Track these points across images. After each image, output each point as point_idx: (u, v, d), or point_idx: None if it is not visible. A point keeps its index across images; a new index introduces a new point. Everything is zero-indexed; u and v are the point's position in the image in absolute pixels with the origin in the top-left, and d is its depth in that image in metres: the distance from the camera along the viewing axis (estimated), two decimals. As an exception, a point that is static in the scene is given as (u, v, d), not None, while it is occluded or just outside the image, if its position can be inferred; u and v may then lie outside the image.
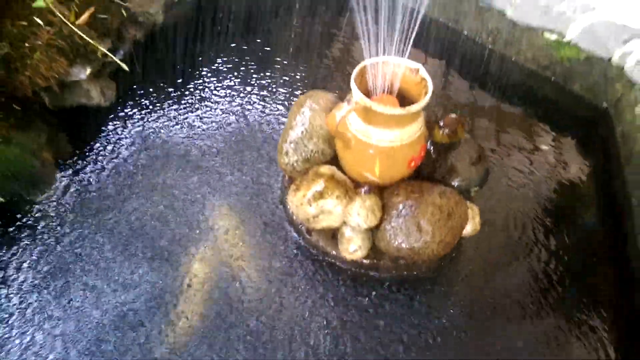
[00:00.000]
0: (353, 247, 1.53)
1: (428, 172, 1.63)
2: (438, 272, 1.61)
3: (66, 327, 1.45)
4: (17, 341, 1.42)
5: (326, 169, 1.61)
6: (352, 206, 1.49)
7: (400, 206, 1.48)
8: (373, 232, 1.54)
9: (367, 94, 1.48)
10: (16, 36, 1.70)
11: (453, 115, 1.63)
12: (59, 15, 1.76)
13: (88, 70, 1.84)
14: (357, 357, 1.43)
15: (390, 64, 1.50)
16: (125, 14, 2.03)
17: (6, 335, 1.43)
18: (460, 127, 1.62)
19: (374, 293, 1.57)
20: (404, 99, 1.53)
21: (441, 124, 1.61)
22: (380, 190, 1.57)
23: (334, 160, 1.66)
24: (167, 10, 2.18)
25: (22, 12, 1.73)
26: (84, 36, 1.79)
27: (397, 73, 1.51)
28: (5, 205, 1.68)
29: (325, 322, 1.50)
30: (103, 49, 1.83)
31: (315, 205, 1.52)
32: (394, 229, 1.47)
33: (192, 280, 1.57)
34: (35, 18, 1.74)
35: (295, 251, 1.66)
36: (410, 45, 1.52)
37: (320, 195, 1.52)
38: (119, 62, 1.84)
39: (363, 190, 1.56)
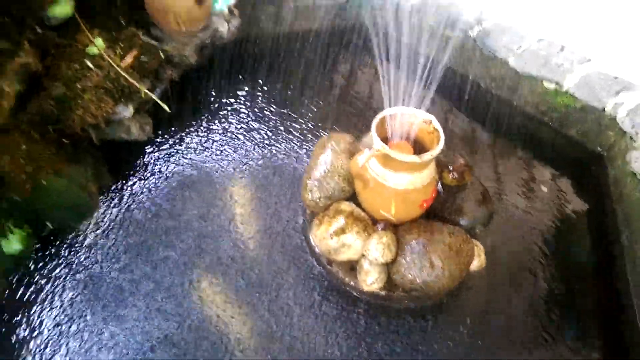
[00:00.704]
0: (371, 279, 1.70)
1: (438, 211, 1.81)
2: (447, 303, 1.78)
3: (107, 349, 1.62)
4: None
5: (346, 206, 1.79)
6: (370, 241, 1.66)
7: (414, 243, 1.66)
8: (389, 266, 1.71)
9: (385, 140, 1.67)
10: (70, 78, 1.89)
11: (461, 161, 1.82)
12: (108, 59, 1.96)
13: (131, 109, 2.02)
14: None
15: (407, 115, 1.69)
16: (163, 56, 2.23)
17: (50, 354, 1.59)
18: (468, 172, 1.80)
19: (388, 321, 1.73)
20: (417, 145, 1.72)
21: (450, 168, 1.80)
22: (395, 227, 1.75)
23: (353, 197, 1.84)
24: (199, 52, 2.37)
25: (76, 56, 1.92)
26: (129, 78, 1.98)
27: (412, 123, 1.70)
28: (54, 231, 1.86)
29: (342, 347, 1.66)
30: (145, 90, 2.02)
31: (337, 239, 1.70)
32: (408, 263, 1.64)
33: (219, 306, 1.74)
34: (86, 62, 1.93)
35: (315, 280, 1.83)
36: (424, 89, 1.72)
37: (342, 230, 1.70)
38: (160, 103, 2.03)
39: (379, 227, 1.74)
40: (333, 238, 1.71)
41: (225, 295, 1.76)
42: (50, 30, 1.93)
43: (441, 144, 1.59)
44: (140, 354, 1.60)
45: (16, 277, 1.76)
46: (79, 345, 1.61)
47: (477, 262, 1.74)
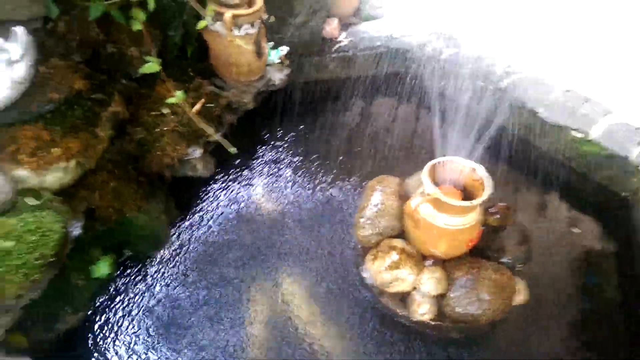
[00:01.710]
0: (422, 310, 1.87)
1: (481, 249, 1.99)
2: (492, 333, 1.94)
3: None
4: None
5: (398, 242, 1.98)
6: (423, 276, 1.84)
7: (463, 279, 1.84)
8: (439, 298, 1.88)
9: (435, 184, 1.87)
10: (150, 124, 2.12)
11: (502, 203, 2.01)
12: (182, 107, 2.19)
13: (200, 150, 2.25)
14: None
15: (455, 163, 1.90)
16: (224, 103, 2.46)
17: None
18: (509, 213, 1.99)
19: (437, 349, 1.89)
20: (463, 189, 1.92)
21: (493, 210, 1.99)
22: (443, 263, 1.93)
23: (402, 234, 2.03)
24: (255, 98, 2.61)
25: (155, 104, 2.16)
26: (201, 124, 2.21)
27: (460, 170, 1.90)
28: (132, 258, 2.06)
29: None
30: (215, 133, 2.25)
31: (391, 273, 1.88)
32: (457, 297, 1.82)
33: (274, 326, 1.92)
34: (164, 109, 2.16)
35: (368, 309, 2.00)
36: (458, 134, 1.93)
37: (396, 265, 1.88)
38: (227, 145, 2.25)
39: (428, 262, 1.92)
40: (387, 272, 1.89)
41: (280, 317, 1.94)
42: (132, 81, 2.17)
43: (488, 191, 1.78)
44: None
45: (100, 299, 1.95)
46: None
47: (519, 297, 1.91)
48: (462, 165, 1.89)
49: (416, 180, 2.15)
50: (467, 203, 1.75)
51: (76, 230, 1.82)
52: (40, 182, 1.71)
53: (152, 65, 2.02)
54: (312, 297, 2.02)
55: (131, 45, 2.04)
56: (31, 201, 1.68)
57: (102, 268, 1.91)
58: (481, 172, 1.86)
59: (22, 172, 1.66)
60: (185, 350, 1.83)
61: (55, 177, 1.73)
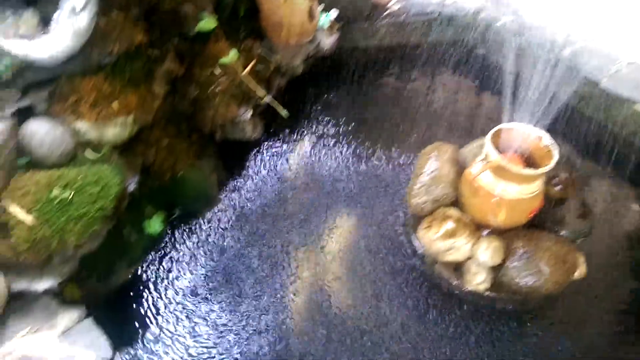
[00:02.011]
0: (478, 280, 1.82)
1: (540, 221, 1.92)
2: (547, 307, 1.88)
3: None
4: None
5: (453, 211, 1.92)
6: (480, 245, 1.79)
7: (522, 250, 1.78)
8: (495, 269, 1.83)
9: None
10: (203, 83, 2.10)
11: (565, 175, 1.93)
12: (235, 67, 2.16)
13: (250, 112, 2.22)
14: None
15: (519, 130, 1.82)
16: (273, 67, 2.42)
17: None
18: (571, 185, 1.91)
19: (491, 321, 1.84)
20: (525, 158, 1.84)
21: (555, 181, 1.91)
22: (499, 234, 1.87)
23: (455, 203, 1.97)
24: (304, 62, 2.56)
25: (208, 64, 2.13)
26: (253, 85, 2.18)
27: (524, 138, 1.82)
28: (182, 217, 2.07)
29: (444, 342, 1.79)
30: (265, 95, 2.22)
31: (447, 242, 1.83)
32: (516, 268, 1.76)
33: (324, 296, 1.90)
34: (217, 69, 2.13)
35: (419, 278, 1.96)
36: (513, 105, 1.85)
37: (452, 233, 1.83)
38: (278, 107, 2.23)
39: (485, 232, 1.87)
40: (442, 240, 1.84)
41: (327, 287, 1.92)
42: (186, 40, 2.14)
43: (555, 160, 1.71)
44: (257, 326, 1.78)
45: (152, 255, 1.97)
46: (199, 315, 1.81)
47: (578, 272, 1.84)
48: (527, 132, 1.81)
49: (471, 150, 2.09)
50: (533, 171, 1.68)
51: (132, 185, 1.83)
52: (99, 136, 1.71)
53: (208, 22, 2.00)
54: (360, 264, 1.99)
55: (187, 2, 2.01)
56: (90, 154, 1.69)
57: (155, 224, 1.92)
58: (548, 140, 1.78)
59: (82, 125, 1.66)
60: (235, 305, 1.84)
61: (114, 131, 1.72)
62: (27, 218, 1.47)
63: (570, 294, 1.91)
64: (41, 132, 1.55)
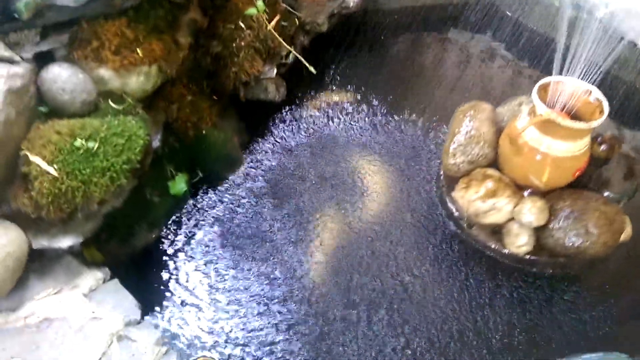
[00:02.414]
0: (520, 242, 1.74)
1: (583, 182, 1.83)
2: (590, 272, 1.80)
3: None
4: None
5: (493, 171, 1.83)
6: (524, 205, 1.70)
7: (568, 210, 1.69)
8: (537, 230, 1.74)
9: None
10: (226, 37, 1.98)
11: (610, 133, 1.83)
12: (259, 21, 2.04)
13: (275, 69, 2.11)
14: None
15: (567, 84, 1.71)
16: (297, 23, 2.30)
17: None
18: (617, 144, 1.81)
19: (531, 285, 1.76)
20: (571, 114, 1.74)
21: (600, 140, 1.81)
22: (542, 195, 1.78)
23: (494, 164, 1.88)
24: (328, 20, 2.44)
25: (231, 17, 2.01)
26: (278, 40, 2.06)
27: (571, 93, 1.72)
28: (205, 180, 1.97)
29: (482, 308, 1.71)
30: (293, 51, 2.11)
31: (487, 202, 1.74)
32: (562, 229, 1.68)
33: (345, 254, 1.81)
34: (240, 22, 2.01)
35: (454, 242, 1.88)
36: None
37: (493, 193, 1.74)
38: (306, 64, 2.11)
39: (526, 193, 1.78)
40: (482, 201, 1.75)
41: (356, 251, 1.84)
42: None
43: (606, 113, 1.61)
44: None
45: (175, 217, 1.87)
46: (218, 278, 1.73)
47: (624, 234, 1.76)
48: (574, 86, 1.71)
49: (509, 108, 1.99)
50: (585, 124, 1.58)
51: (156, 141, 1.73)
52: (122, 85, 1.60)
53: (234, -31, 1.87)
54: (390, 228, 1.91)
55: (210, -51, 1.88)
56: (114, 105, 1.58)
57: (179, 184, 1.82)
58: (598, 94, 1.68)
59: (105, 72, 1.55)
60: (259, 267, 1.76)
61: (137, 81, 1.62)
62: (51, 169, 1.37)
63: (612, 258, 1.84)
64: (62, 78, 1.44)
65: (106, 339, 1.33)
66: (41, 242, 1.44)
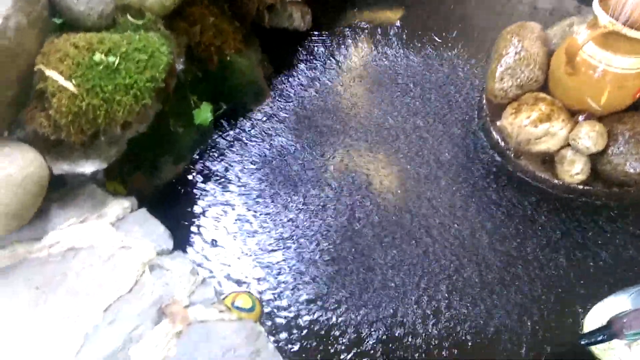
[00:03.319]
0: (576, 170, 1.60)
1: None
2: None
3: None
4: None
5: (545, 95, 1.68)
6: (582, 129, 1.56)
7: (629, 133, 1.55)
8: (593, 157, 1.61)
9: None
10: (249, -47, 1.81)
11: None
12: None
13: (301, -7, 1.95)
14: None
15: (629, -5, 1.54)
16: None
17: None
18: (681, 64, 1.65)
19: (584, 218, 1.64)
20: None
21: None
22: (598, 120, 1.64)
23: (544, 89, 1.73)
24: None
25: None
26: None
27: (634, 4, 1.55)
28: (230, 113, 1.84)
29: (530, 237, 1.60)
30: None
31: (541, 127, 1.60)
32: (623, 154, 1.54)
33: (384, 194, 1.70)
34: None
35: (500, 174, 1.75)
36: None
37: (548, 117, 1.60)
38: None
39: (581, 118, 1.63)
40: (534, 126, 1.61)
41: (393, 188, 1.72)
42: None
43: (678, 22, 1.45)
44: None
45: (201, 151, 1.75)
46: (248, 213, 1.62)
47: (687, 161, 1.62)
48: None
49: (560, 28, 1.83)
50: (655, 34, 1.42)
51: (179, 64, 1.59)
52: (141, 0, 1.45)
53: None
54: (430, 162, 1.78)
55: None
56: (133, 20, 1.43)
57: (205, 113, 1.69)
58: (666, 2, 1.51)
59: (122, -19, 1.40)
60: (286, 201, 1.65)
61: (157, -6, 1.46)
62: (69, 84, 1.24)
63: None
64: (77, -16, 1.29)
65: (138, 268, 1.23)
66: (62, 167, 1.32)
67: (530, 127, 1.61)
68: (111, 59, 1.29)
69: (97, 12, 1.34)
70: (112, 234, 1.30)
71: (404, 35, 2.16)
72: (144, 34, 1.40)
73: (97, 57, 1.28)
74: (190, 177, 1.68)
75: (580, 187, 1.65)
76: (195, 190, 1.65)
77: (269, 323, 1.43)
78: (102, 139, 1.34)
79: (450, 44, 2.14)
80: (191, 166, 1.72)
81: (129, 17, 1.42)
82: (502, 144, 1.75)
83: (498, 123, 1.76)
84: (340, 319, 1.43)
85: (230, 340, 1.11)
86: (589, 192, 1.66)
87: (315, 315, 1.44)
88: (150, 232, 1.32)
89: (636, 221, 1.64)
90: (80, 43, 1.29)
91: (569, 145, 1.61)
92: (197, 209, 1.61)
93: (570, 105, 1.66)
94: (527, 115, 1.62)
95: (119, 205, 1.36)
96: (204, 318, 1.15)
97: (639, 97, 1.61)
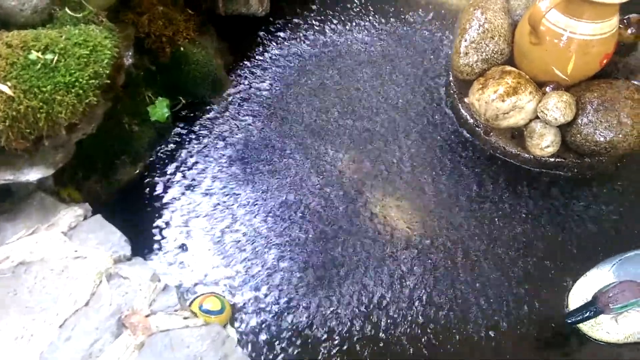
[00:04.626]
0: (546, 143, 1.57)
1: (611, 72, 1.65)
2: (614, 174, 1.65)
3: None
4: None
5: (511, 68, 1.64)
6: (549, 101, 1.52)
7: (597, 101, 1.52)
8: (562, 129, 1.58)
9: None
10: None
11: (638, 16, 1.64)
12: None
13: (255, -24, 1.86)
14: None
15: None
16: None
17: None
18: (646, 27, 1.63)
19: (558, 191, 1.62)
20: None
21: (627, 22, 1.62)
22: (566, 90, 1.60)
23: (510, 62, 1.69)
24: None
25: None
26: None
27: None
28: (189, 106, 1.75)
29: (504, 213, 1.57)
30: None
31: (508, 101, 1.56)
32: (592, 123, 1.51)
33: (351, 175, 1.64)
34: None
35: (470, 152, 1.71)
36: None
37: (515, 90, 1.56)
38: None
39: (549, 88, 1.60)
40: (502, 100, 1.57)
41: (362, 172, 1.67)
42: None
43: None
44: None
45: (160, 149, 1.67)
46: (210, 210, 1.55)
47: (656, 126, 1.60)
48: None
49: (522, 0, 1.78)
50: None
51: (128, 58, 1.50)
52: (79, -10, 1.35)
53: None
54: (399, 143, 1.73)
55: None
56: (72, 13, 1.34)
57: (161, 109, 1.60)
58: (627, -36, 1.47)
59: (56, -27, 1.30)
60: (250, 194, 1.59)
61: (96, -16, 1.37)
62: (4, 87, 1.14)
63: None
64: (4, -23, 1.19)
65: (94, 278, 1.15)
66: (5, 177, 1.23)
67: (497, 102, 1.57)
68: (49, 56, 1.20)
69: (31, 7, 1.24)
70: (64, 245, 1.22)
71: (369, 16, 2.10)
72: (84, 28, 1.30)
73: (33, 55, 1.19)
74: (150, 177, 1.60)
75: (552, 160, 1.62)
76: (155, 191, 1.57)
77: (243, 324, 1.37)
78: (47, 143, 1.25)
79: (417, 21, 2.08)
80: (150, 166, 1.63)
81: (67, 10, 1.33)
82: (471, 121, 1.71)
83: (466, 100, 1.72)
84: (303, 303, 1.38)
85: (195, 347, 1.05)
86: (562, 164, 1.63)
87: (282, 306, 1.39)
88: (106, 240, 1.24)
89: (611, 191, 1.62)
90: (14, 41, 1.19)
91: (538, 118, 1.57)
92: (158, 211, 1.54)
93: (537, 76, 1.63)
94: (494, 90, 1.58)
95: (71, 213, 1.28)
96: (167, 326, 1.09)
97: (606, 63, 1.58)
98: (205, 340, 1.06)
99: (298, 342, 1.34)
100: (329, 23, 2.07)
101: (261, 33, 2.01)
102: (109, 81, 1.30)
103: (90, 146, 1.44)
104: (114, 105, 1.43)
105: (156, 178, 1.60)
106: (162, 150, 1.68)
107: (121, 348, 1.05)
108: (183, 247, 1.47)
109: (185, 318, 1.11)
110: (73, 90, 1.21)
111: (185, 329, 1.08)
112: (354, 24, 2.07)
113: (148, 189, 1.58)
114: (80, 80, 1.22)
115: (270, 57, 1.95)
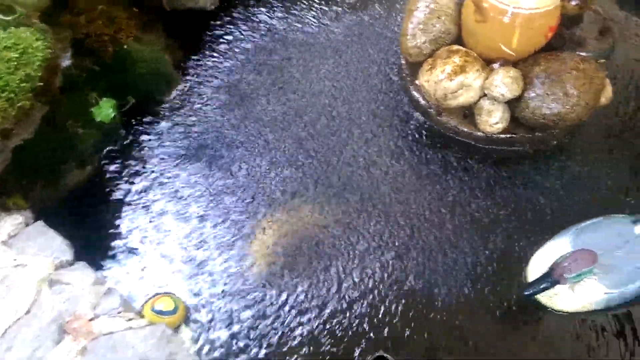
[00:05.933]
0: (494, 119, 1.57)
1: (553, 45, 1.65)
2: (570, 144, 1.66)
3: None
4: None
5: (458, 47, 1.64)
6: (496, 77, 1.52)
7: (543, 74, 1.52)
8: (512, 104, 1.58)
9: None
10: None
11: (581, -14, 1.64)
12: None
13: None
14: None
15: None
16: None
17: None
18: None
19: (510, 167, 1.62)
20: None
21: (569, -6, 1.63)
22: (514, 65, 1.60)
23: (458, 41, 1.68)
24: None
25: None
26: None
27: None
28: (138, 105, 1.72)
29: (458, 190, 1.57)
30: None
31: (456, 80, 1.56)
32: (539, 96, 1.51)
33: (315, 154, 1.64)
34: None
35: (422, 132, 1.71)
36: None
37: (462, 69, 1.55)
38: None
39: (496, 65, 1.59)
40: (450, 80, 1.56)
41: (318, 154, 1.66)
42: None
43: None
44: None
45: (108, 151, 1.64)
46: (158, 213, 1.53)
47: (604, 96, 1.61)
48: None
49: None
50: (554, -31, 1.38)
51: (65, 60, 1.47)
52: (6, -7, 1.31)
53: None
54: (354, 132, 1.71)
55: None
56: (2, 16, 1.30)
57: (105, 110, 1.57)
58: (564, -64, 1.47)
59: (-22, -26, 1.26)
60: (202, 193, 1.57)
61: (25, -15, 1.33)
62: None
63: (593, 125, 1.70)
64: None
65: (34, 286, 1.13)
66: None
67: (445, 81, 1.56)
68: (-26, 62, 1.17)
69: (-47, 12, 1.21)
70: (3, 253, 1.19)
71: (321, 5, 2.07)
72: (14, 31, 1.27)
73: (-43, 61, 1.16)
74: (97, 180, 1.57)
75: (503, 136, 1.63)
76: (103, 194, 1.54)
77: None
78: (-21, 151, 1.22)
79: (368, 7, 2.06)
80: (100, 168, 1.60)
81: (-6, 13, 1.29)
82: (423, 102, 1.70)
83: (416, 82, 1.71)
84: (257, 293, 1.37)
85: (139, 348, 1.03)
86: (513, 140, 1.63)
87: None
88: (47, 246, 1.21)
89: (564, 163, 1.63)
90: None
91: (486, 95, 1.57)
92: (106, 214, 1.51)
93: (484, 54, 1.62)
94: (442, 70, 1.57)
95: (10, 222, 1.25)
96: (110, 329, 1.06)
97: (551, 37, 1.58)
98: (149, 340, 1.05)
99: None
100: (279, 14, 2.04)
101: (211, 27, 1.98)
102: (42, 84, 1.26)
103: (33, 152, 1.41)
104: (53, 108, 1.40)
105: (105, 180, 1.57)
106: (112, 152, 1.64)
107: (62, 354, 1.02)
108: (132, 249, 1.44)
109: (129, 320, 1.09)
110: (3, 95, 1.19)
111: (129, 330, 1.06)
112: (304, 14, 2.04)
113: (97, 191, 1.55)
114: (11, 84, 1.20)
115: (221, 51, 1.92)
